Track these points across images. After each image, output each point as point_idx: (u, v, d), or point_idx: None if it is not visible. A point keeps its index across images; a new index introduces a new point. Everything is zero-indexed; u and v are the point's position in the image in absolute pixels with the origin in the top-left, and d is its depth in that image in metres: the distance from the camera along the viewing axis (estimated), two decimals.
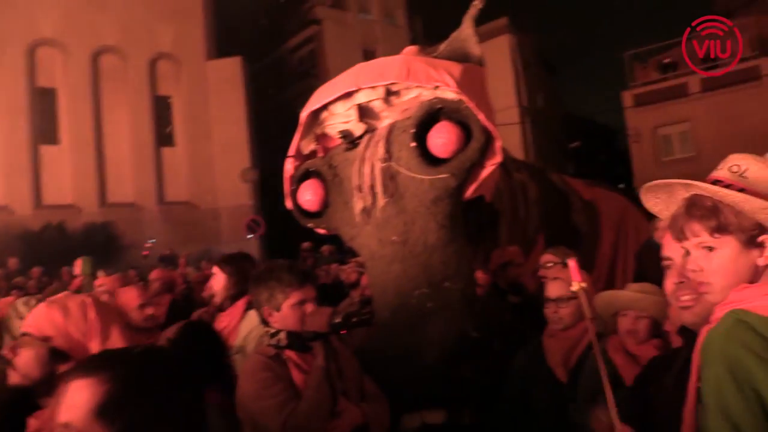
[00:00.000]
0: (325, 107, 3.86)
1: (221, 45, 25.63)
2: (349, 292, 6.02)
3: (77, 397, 1.02)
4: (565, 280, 2.92)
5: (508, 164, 5.03)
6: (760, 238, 1.43)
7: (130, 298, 3.81)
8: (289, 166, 4.00)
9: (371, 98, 3.69)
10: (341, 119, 3.81)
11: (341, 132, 3.76)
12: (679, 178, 1.53)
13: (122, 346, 1.87)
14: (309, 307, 2.60)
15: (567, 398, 2.61)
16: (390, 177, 3.55)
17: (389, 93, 3.66)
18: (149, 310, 3.77)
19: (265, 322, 2.67)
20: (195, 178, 24.24)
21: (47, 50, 22.34)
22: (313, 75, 28.25)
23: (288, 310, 2.58)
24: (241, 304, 3.56)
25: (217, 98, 24.52)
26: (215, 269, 3.88)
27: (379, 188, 3.56)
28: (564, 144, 30.22)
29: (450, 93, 3.48)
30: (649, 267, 4.93)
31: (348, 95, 3.73)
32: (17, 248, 16.37)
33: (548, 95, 30.82)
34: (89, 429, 1.00)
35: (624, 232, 6.53)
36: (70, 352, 1.81)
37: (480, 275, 4.24)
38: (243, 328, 3.44)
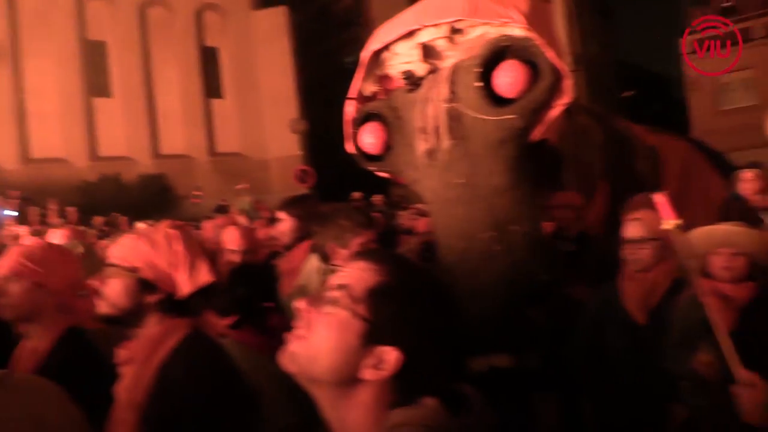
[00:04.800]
0: (386, 47, 3.75)
1: None
2: (402, 239, 5.99)
3: (358, 273, 1.12)
4: (643, 220, 2.82)
5: (572, 107, 4.87)
6: None
7: (232, 238, 3.83)
8: (350, 109, 3.93)
9: (435, 36, 3.57)
10: (403, 59, 3.70)
11: (404, 72, 3.66)
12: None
13: (210, 279, 1.86)
14: None
15: (646, 341, 2.55)
16: (455, 118, 3.45)
17: (453, 31, 3.53)
18: (246, 257, 3.76)
19: (326, 259, 2.68)
20: (244, 129, 24.45)
21: (96, 3, 22.54)
22: (357, 23, 27.85)
23: (356, 248, 2.66)
24: (305, 245, 3.58)
25: (264, 49, 24.51)
26: (281, 214, 3.91)
27: (443, 130, 3.47)
28: (617, 93, 29.27)
29: (517, 30, 3.33)
30: (734, 219, 4.76)
31: (410, 34, 3.62)
32: (76, 199, 16.82)
33: (602, 41, 29.73)
34: (356, 302, 1.08)
35: (687, 180, 6.26)
36: (157, 283, 1.80)
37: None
38: (305, 268, 3.48)
